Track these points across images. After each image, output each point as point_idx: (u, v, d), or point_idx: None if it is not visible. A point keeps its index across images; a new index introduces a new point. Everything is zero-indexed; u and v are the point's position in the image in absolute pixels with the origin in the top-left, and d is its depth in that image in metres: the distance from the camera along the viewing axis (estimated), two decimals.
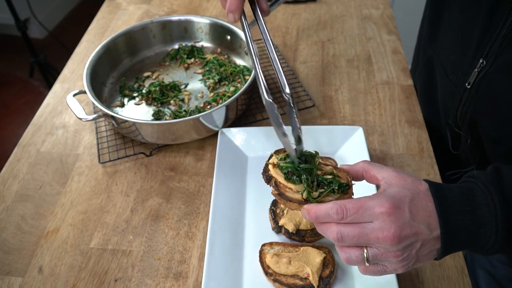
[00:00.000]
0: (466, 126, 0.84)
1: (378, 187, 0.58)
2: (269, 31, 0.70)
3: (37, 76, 2.42)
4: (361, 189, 0.66)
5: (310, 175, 0.59)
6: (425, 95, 1.03)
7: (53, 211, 0.83)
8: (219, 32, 1.12)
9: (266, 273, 0.68)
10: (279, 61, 0.67)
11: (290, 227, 0.72)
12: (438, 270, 0.71)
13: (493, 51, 0.73)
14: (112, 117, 0.87)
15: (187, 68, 1.10)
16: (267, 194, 0.68)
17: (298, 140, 0.63)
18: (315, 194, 0.58)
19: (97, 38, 1.26)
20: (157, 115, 0.96)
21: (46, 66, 2.42)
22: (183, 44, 1.15)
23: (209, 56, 1.11)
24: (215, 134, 0.91)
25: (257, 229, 0.76)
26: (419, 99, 1.02)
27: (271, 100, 0.62)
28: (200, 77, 1.07)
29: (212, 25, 1.12)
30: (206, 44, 1.15)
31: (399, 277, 0.68)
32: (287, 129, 0.62)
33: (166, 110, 0.98)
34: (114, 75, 1.08)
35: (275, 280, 0.67)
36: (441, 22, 0.90)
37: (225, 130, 0.90)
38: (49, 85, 2.41)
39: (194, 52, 1.12)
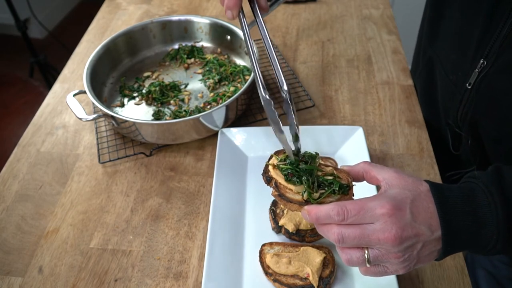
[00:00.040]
0: (467, 127, 0.84)
1: (378, 188, 0.58)
2: (267, 30, 0.70)
3: (37, 76, 2.42)
4: (362, 190, 0.66)
5: (311, 176, 0.59)
6: (425, 95, 1.03)
7: (53, 211, 0.82)
8: (219, 32, 1.12)
9: (266, 273, 0.68)
10: (277, 58, 0.67)
11: (290, 227, 0.72)
12: (438, 270, 0.71)
13: (493, 51, 0.72)
14: (112, 117, 0.87)
15: (187, 68, 1.10)
16: (267, 194, 0.68)
17: (295, 137, 0.63)
18: (316, 195, 0.58)
19: (97, 38, 1.26)
20: (157, 115, 0.96)
21: (46, 66, 2.42)
22: (183, 44, 1.15)
23: (209, 56, 1.11)
24: (215, 134, 0.91)
25: (257, 229, 0.76)
26: (419, 99, 1.02)
27: (267, 97, 0.63)
28: (200, 77, 1.07)
29: (212, 25, 1.12)
30: (206, 44, 1.15)
31: (399, 277, 0.68)
32: (285, 128, 0.62)
33: (166, 110, 0.98)
34: (114, 75, 1.08)
35: (275, 280, 0.67)
36: (441, 22, 0.90)
37: (225, 130, 0.89)
38: (49, 85, 2.41)
39: (194, 52, 1.12)
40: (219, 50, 1.14)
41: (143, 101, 1.01)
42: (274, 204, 0.78)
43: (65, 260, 0.75)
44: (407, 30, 1.61)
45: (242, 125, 0.95)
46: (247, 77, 1.03)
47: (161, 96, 1.00)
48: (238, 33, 1.07)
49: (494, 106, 0.76)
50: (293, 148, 0.63)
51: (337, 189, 0.58)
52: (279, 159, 0.63)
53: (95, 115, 0.88)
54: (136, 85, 1.05)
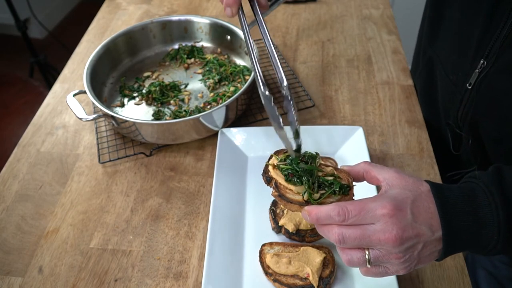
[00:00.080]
0: (467, 127, 0.84)
1: (378, 188, 0.58)
2: (268, 28, 0.70)
3: (37, 76, 2.42)
4: (362, 190, 0.66)
5: (311, 177, 0.59)
6: (425, 95, 1.03)
7: (53, 211, 0.82)
8: (219, 32, 1.12)
9: (266, 273, 0.68)
10: (277, 56, 0.67)
11: (290, 227, 0.72)
12: (438, 270, 0.71)
13: (493, 51, 0.72)
14: (112, 117, 0.87)
15: (187, 68, 1.10)
16: (267, 194, 0.68)
17: (296, 134, 0.62)
18: (316, 195, 0.57)
19: (97, 38, 1.26)
20: (157, 115, 0.96)
21: (46, 66, 2.42)
22: (183, 44, 1.14)
23: (209, 56, 1.11)
24: (215, 134, 0.91)
25: (257, 229, 0.76)
26: (419, 99, 1.02)
27: (267, 93, 0.62)
28: (200, 77, 1.07)
29: (212, 25, 1.12)
30: (206, 44, 1.15)
31: (399, 277, 0.68)
32: (286, 128, 0.62)
33: (166, 110, 0.97)
34: (114, 75, 1.08)
35: (275, 280, 0.67)
36: (441, 22, 0.90)
37: (225, 130, 0.89)
38: (49, 85, 2.40)
39: (194, 52, 1.12)
40: (219, 50, 1.14)
41: (143, 101, 1.01)
42: (274, 204, 0.78)
43: (65, 260, 0.75)
44: (407, 30, 1.61)
45: (242, 125, 0.95)
46: (247, 77, 1.03)
47: (161, 96, 1.00)
48: (238, 33, 1.07)
49: (495, 106, 0.76)
50: (294, 145, 0.63)
51: (337, 189, 0.58)
52: (279, 159, 0.63)
53: (95, 115, 0.88)
54: (136, 85, 1.05)
